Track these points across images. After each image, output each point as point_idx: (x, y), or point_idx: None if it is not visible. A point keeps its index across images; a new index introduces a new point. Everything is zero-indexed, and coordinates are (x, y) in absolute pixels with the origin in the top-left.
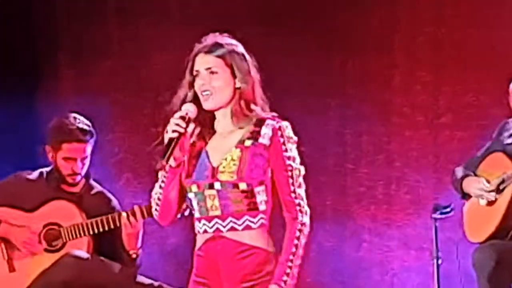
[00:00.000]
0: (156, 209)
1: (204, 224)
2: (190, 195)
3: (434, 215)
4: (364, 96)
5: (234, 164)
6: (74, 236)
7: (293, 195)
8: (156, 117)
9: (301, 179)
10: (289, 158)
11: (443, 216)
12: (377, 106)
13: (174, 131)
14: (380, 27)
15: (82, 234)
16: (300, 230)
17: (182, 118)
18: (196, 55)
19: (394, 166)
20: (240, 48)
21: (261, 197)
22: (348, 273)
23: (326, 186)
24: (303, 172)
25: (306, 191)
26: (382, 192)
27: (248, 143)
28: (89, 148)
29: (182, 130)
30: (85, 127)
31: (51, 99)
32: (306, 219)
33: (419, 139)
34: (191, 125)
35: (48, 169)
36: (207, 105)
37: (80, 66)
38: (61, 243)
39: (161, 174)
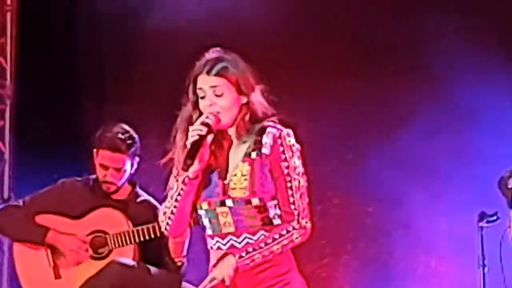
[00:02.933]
0: (168, 223)
1: (217, 241)
2: (201, 212)
3: (481, 224)
4: None
5: (245, 180)
6: (120, 243)
7: (292, 206)
8: None
9: (303, 189)
10: (287, 167)
11: (489, 224)
12: None
13: (196, 135)
14: None
15: (128, 242)
16: (288, 231)
17: (203, 124)
18: (197, 75)
19: None
20: (239, 60)
21: (273, 211)
22: None
23: None
24: (303, 183)
25: None
26: None
27: (253, 155)
28: (127, 160)
29: (203, 133)
30: (124, 138)
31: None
32: (300, 229)
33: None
34: (210, 136)
35: (94, 176)
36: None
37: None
38: (107, 250)
39: (176, 186)
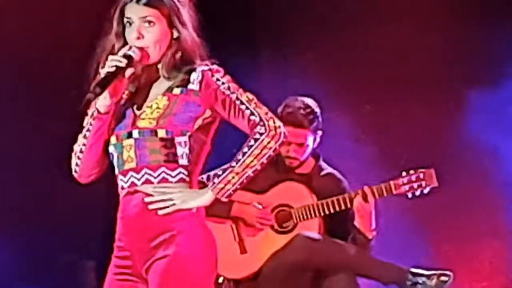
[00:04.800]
0: (76, 163)
1: (121, 180)
2: (110, 149)
3: None
4: None
5: (157, 112)
6: (305, 217)
7: (252, 117)
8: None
9: (254, 101)
10: (228, 88)
11: None
12: None
13: (113, 66)
14: None
15: (313, 215)
16: (255, 139)
17: (125, 56)
18: (126, 2)
19: None
20: None
21: (182, 149)
22: None
23: None
24: (252, 96)
25: None
26: None
27: (176, 91)
28: (309, 135)
29: (122, 65)
30: (305, 113)
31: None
32: (270, 131)
33: None
34: (130, 70)
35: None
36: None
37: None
38: (292, 224)
39: (87, 121)
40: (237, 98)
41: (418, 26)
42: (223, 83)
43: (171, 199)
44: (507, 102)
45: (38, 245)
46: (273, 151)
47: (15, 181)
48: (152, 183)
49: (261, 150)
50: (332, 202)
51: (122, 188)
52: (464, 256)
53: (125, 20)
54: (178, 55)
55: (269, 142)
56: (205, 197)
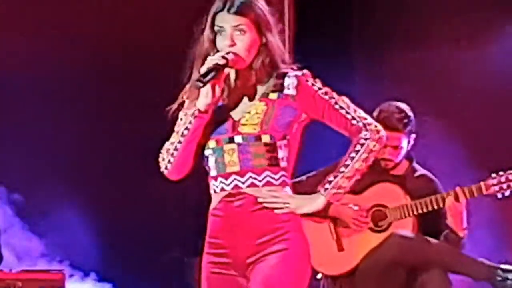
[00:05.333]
0: (169, 161)
1: (221, 182)
2: (207, 152)
3: None
4: None
5: (258, 117)
6: (399, 216)
7: (354, 121)
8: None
9: (352, 105)
10: (325, 93)
11: None
12: None
13: (214, 64)
14: None
15: (407, 215)
16: (361, 144)
17: (223, 57)
18: (217, 12)
19: None
20: (262, 3)
21: (283, 152)
22: None
23: None
24: (348, 101)
25: None
26: None
27: (273, 96)
28: (403, 138)
29: (222, 63)
30: (400, 117)
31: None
32: (374, 135)
33: None
34: (226, 70)
35: None
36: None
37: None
38: (387, 223)
39: (184, 120)
40: (336, 103)
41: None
42: (319, 88)
43: (287, 203)
44: None
45: (146, 243)
46: (377, 153)
47: (123, 182)
48: (257, 186)
49: (368, 154)
50: (425, 202)
51: (222, 189)
52: None
53: (216, 28)
54: (267, 60)
55: (374, 146)
56: (319, 202)
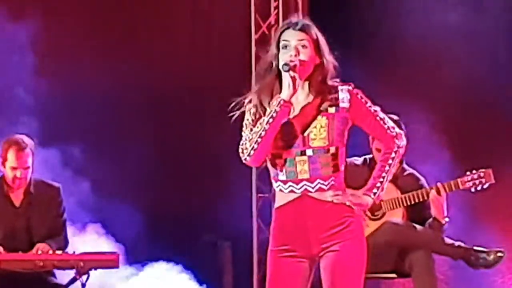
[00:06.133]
0: (253, 148)
1: (290, 185)
2: (278, 161)
3: None
4: None
5: (324, 131)
6: (392, 207)
7: (389, 131)
8: None
9: (385, 115)
10: (370, 106)
11: None
12: None
13: (289, 60)
14: None
15: (398, 206)
16: (395, 152)
17: (292, 59)
18: (284, 30)
19: None
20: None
21: (341, 158)
22: None
23: None
24: (383, 113)
25: None
26: None
27: (332, 110)
28: None
29: (295, 63)
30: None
31: None
32: (403, 142)
33: None
34: (294, 73)
35: (370, 156)
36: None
37: None
38: (382, 213)
39: (269, 110)
40: (378, 115)
41: None
42: (366, 102)
43: (350, 200)
44: None
45: (184, 226)
46: (402, 156)
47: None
48: (324, 190)
49: (399, 159)
50: (413, 195)
51: (292, 191)
52: None
53: (282, 43)
54: (320, 77)
55: (402, 151)
56: (368, 201)
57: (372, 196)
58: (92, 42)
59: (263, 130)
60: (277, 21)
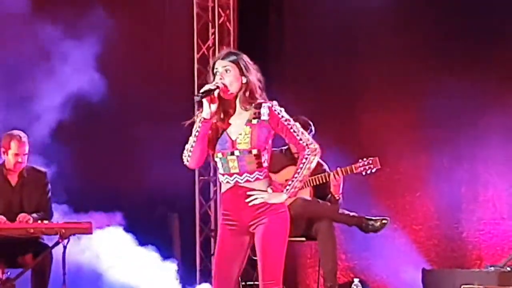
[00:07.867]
0: (189, 155)
1: (226, 178)
2: (216, 159)
3: None
4: None
5: (247, 137)
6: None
7: (301, 141)
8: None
9: (300, 128)
10: (285, 120)
11: None
12: None
13: (216, 85)
14: None
15: (306, 186)
16: (306, 158)
17: (214, 85)
18: (216, 61)
19: None
20: (246, 57)
21: (264, 157)
22: None
23: None
24: (296, 124)
25: None
26: None
27: (254, 121)
28: None
29: (213, 87)
30: (304, 124)
31: None
32: (313, 152)
33: None
34: (216, 92)
35: (286, 147)
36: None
37: None
38: None
39: (195, 127)
40: (291, 127)
41: None
42: (282, 116)
43: (263, 197)
44: None
45: (140, 203)
46: (314, 162)
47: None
48: (250, 181)
49: (310, 164)
50: (318, 177)
51: (228, 182)
52: (399, 209)
53: (214, 71)
54: (247, 93)
55: (313, 158)
56: (283, 197)
57: (285, 192)
58: None
59: (193, 142)
60: (213, 43)
